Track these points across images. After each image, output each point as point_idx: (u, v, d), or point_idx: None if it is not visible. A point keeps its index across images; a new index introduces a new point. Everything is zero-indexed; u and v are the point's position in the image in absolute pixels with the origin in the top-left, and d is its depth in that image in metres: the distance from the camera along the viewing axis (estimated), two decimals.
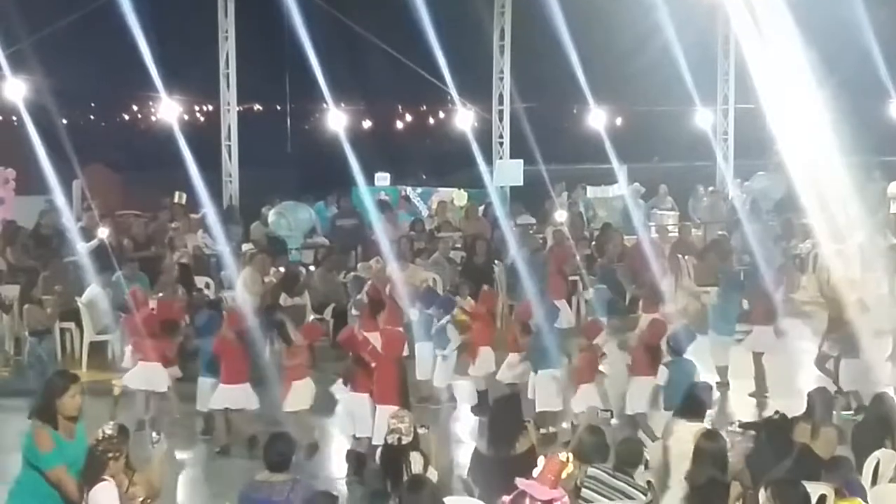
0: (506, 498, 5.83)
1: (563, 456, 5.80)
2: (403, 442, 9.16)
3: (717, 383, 14.46)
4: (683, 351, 12.85)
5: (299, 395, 12.54)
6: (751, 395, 14.74)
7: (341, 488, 11.41)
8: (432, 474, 9.13)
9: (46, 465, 7.88)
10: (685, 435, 9.12)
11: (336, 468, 12.25)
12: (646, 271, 17.94)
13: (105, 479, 7.67)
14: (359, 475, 11.53)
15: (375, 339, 12.56)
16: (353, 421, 12.05)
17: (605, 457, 9.10)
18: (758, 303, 15.56)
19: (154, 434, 8.44)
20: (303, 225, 21.43)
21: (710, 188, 27.24)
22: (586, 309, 18.75)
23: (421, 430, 9.41)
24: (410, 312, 15.13)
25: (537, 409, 12.98)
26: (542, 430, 12.47)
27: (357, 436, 12.02)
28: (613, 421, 12.80)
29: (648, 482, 9.13)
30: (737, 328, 15.71)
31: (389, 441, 9.36)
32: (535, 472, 5.84)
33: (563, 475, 5.76)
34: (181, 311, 14.94)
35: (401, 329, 14.24)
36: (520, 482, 5.73)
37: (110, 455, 7.71)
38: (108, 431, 7.85)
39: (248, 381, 12.94)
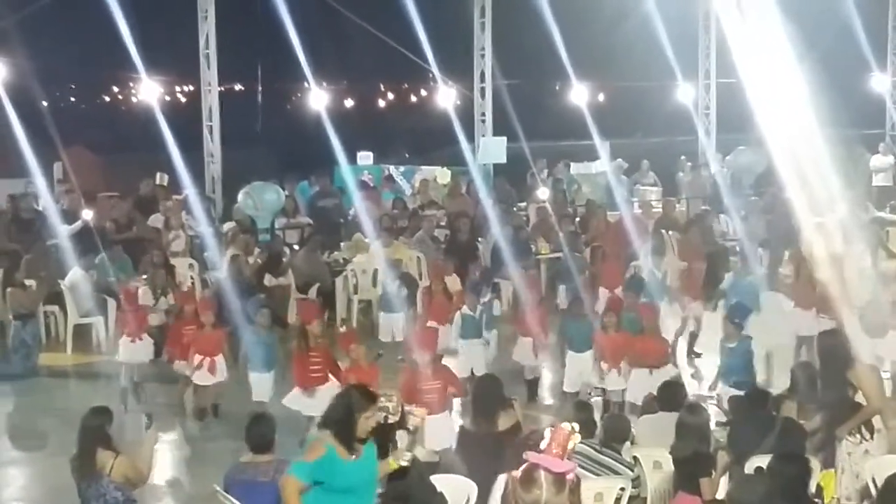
0: (515, 473, 5.78)
1: (567, 426, 5.74)
2: (390, 420, 9.18)
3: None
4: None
5: None
6: None
7: None
8: (420, 453, 9.16)
9: (290, 471, 7.37)
10: None
11: None
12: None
13: None
14: None
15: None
16: None
17: (591, 432, 9.16)
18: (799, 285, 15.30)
19: (145, 418, 8.34)
20: (269, 205, 21.18)
21: (690, 164, 27.26)
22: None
23: (409, 409, 9.43)
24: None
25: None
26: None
27: None
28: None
29: (634, 457, 9.19)
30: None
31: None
32: (543, 445, 5.79)
33: (570, 446, 5.71)
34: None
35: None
36: (531, 455, 5.67)
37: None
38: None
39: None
